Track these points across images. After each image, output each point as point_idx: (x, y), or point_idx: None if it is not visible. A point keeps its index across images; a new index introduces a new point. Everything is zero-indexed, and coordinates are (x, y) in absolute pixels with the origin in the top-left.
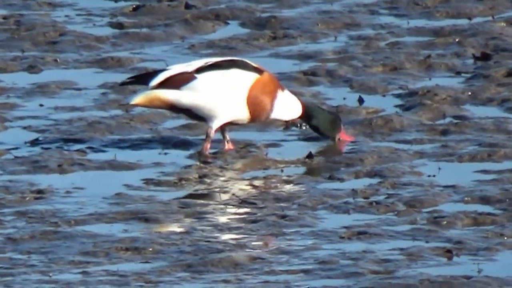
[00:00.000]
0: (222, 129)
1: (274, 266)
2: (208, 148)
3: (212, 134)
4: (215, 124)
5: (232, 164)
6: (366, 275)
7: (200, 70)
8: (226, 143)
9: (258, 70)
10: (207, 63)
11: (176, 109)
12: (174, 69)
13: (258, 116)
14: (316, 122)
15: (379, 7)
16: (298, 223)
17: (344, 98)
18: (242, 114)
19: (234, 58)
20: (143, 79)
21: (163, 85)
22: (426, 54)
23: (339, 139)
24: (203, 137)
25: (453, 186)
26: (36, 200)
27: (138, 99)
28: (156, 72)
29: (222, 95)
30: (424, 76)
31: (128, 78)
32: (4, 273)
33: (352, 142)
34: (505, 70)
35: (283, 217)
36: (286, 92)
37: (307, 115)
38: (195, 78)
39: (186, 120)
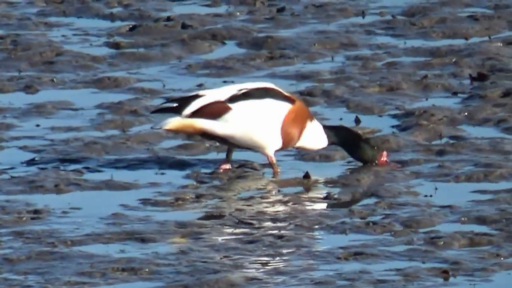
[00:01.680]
0: (229, 149)
1: (271, 286)
2: (278, 172)
3: (274, 160)
4: (270, 151)
5: (228, 184)
6: None
7: (233, 99)
8: (225, 162)
9: (290, 99)
10: (240, 90)
11: (209, 137)
12: (207, 97)
13: (287, 145)
14: (357, 152)
15: (375, 27)
16: (294, 244)
17: (341, 119)
18: (277, 143)
19: (266, 86)
20: (175, 108)
21: (196, 114)
22: (422, 74)
23: (376, 163)
24: (199, 157)
25: (449, 206)
26: (32, 220)
27: (171, 125)
28: (188, 100)
29: (258, 126)
30: (421, 97)
31: (160, 106)
32: None
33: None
34: (502, 90)
35: (280, 237)
36: (315, 122)
37: (345, 141)
38: (229, 109)
39: (182, 140)
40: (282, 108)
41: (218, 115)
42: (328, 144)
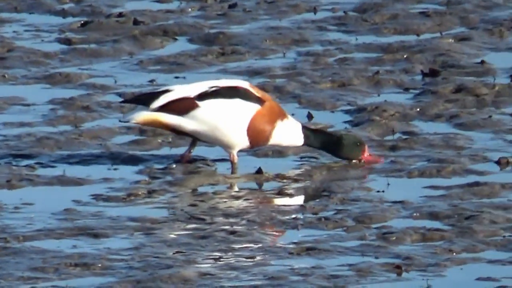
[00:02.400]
0: (194, 141)
1: (224, 282)
2: (235, 171)
3: (235, 159)
4: (234, 150)
5: (181, 179)
6: None
7: (202, 96)
8: (188, 152)
9: (260, 100)
10: (211, 87)
11: (177, 132)
12: (176, 92)
13: (257, 144)
14: (341, 152)
15: (327, 23)
16: (247, 239)
17: (293, 114)
18: (243, 143)
19: (237, 86)
20: (145, 100)
21: (164, 108)
22: (374, 70)
23: (361, 160)
24: (152, 152)
25: (402, 202)
26: None
27: (139, 118)
28: (158, 94)
29: (223, 126)
30: (373, 92)
31: (131, 97)
32: None
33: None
34: (453, 86)
35: (232, 232)
36: (288, 120)
37: (326, 144)
38: (197, 106)
39: (135, 135)
40: (249, 110)
41: (185, 111)
42: (303, 144)
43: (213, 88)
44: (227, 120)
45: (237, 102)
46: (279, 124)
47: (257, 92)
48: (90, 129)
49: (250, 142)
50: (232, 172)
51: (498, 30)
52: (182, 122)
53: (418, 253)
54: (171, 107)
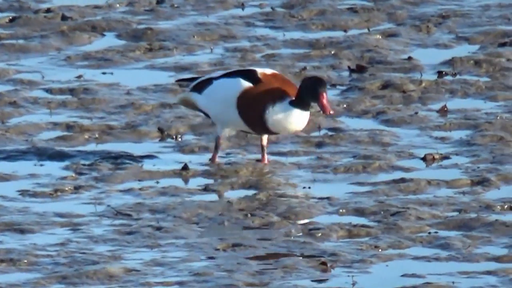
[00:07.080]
0: (261, 143)
1: (149, 278)
2: (215, 158)
3: (218, 143)
4: (219, 131)
5: (107, 175)
6: (241, 287)
7: (220, 77)
8: (263, 156)
9: (257, 80)
10: (232, 70)
11: (203, 112)
12: (210, 75)
13: (254, 125)
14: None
15: (255, 19)
16: (173, 235)
17: None
18: (238, 122)
19: (251, 68)
20: (190, 82)
21: (194, 88)
22: (301, 66)
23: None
24: (78, 148)
25: (328, 198)
26: None
27: (176, 99)
28: (199, 77)
29: (217, 99)
30: None
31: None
32: None
33: (329, 114)
34: (380, 82)
35: (158, 228)
36: (283, 104)
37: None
38: (211, 84)
39: (61, 131)
40: (239, 87)
41: (202, 89)
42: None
43: (233, 70)
44: (220, 94)
45: (232, 79)
46: (271, 107)
47: (261, 75)
48: (16, 125)
49: (246, 122)
50: (212, 157)
51: (425, 26)
52: (198, 100)
53: (344, 250)
54: (198, 86)
